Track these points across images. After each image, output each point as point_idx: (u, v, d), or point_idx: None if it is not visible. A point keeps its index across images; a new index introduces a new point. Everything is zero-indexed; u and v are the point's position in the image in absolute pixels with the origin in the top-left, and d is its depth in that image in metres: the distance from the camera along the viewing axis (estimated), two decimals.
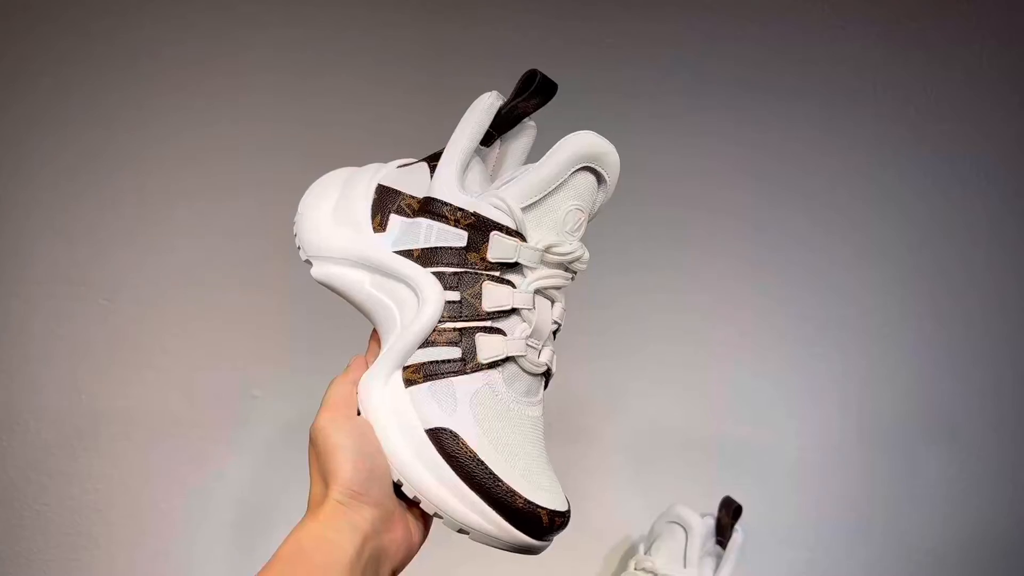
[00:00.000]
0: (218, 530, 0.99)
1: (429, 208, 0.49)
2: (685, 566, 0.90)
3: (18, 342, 0.98)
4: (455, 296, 0.47)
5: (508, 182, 0.49)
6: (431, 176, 0.51)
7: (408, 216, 0.50)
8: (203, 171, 1.01)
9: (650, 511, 0.95)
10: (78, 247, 0.99)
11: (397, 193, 0.51)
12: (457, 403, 0.46)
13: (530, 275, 0.48)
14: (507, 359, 0.48)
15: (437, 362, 0.47)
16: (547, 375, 0.51)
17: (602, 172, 0.50)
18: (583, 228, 0.51)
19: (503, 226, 0.48)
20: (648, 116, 1.07)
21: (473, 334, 0.47)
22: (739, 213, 1.08)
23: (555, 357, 0.51)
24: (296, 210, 0.54)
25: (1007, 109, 1.09)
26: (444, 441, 0.46)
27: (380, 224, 0.51)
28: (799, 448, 1.07)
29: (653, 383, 1.05)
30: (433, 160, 0.52)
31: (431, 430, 0.46)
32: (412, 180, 0.52)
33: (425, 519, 0.49)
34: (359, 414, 0.48)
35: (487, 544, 0.46)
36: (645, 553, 0.93)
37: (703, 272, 1.07)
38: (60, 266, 0.99)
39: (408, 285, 0.48)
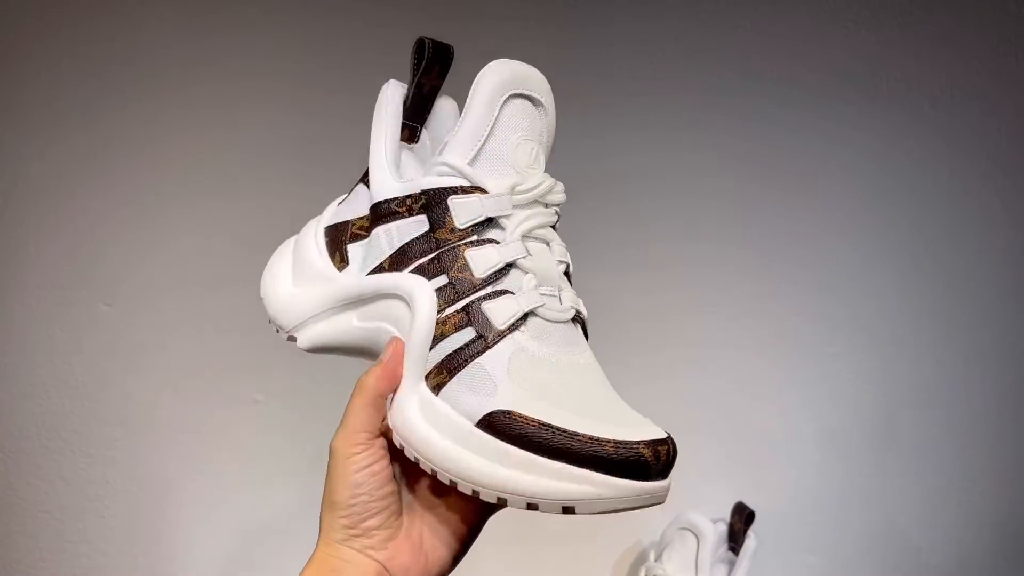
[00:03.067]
0: (219, 535, 0.98)
1: (377, 214, 0.46)
2: (697, 573, 0.89)
3: (18, 347, 0.98)
4: (442, 280, 0.43)
5: (442, 147, 0.45)
6: (368, 189, 0.48)
7: (364, 237, 0.47)
8: (201, 173, 1.00)
9: (661, 517, 0.94)
10: (77, 251, 0.99)
11: (344, 224, 0.49)
12: (495, 381, 0.41)
13: (509, 223, 0.44)
14: (526, 316, 0.43)
15: (454, 352, 0.42)
16: (581, 321, 0.46)
17: (532, 95, 0.45)
18: (541, 159, 0.46)
19: (456, 187, 0.44)
20: (656, 114, 1.06)
21: (479, 305, 0.42)
22: (747, 211, 1.07)
23: (580, 300, 0.46)
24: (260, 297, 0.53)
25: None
26: (499, 424, 0.40)
27: (341, 260, 0.48)
28: (813, 452, 1.06)
29: (662, 388, 1.04)
30: (362, 180, 0.49)
31: (481, 421, 0.40)
32: (355, 206, 0.49)
33: (449, 538, 0.45)
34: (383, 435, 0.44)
35: (602, 511, 0.39)
36: (656, 560, 0.92)
37: (712, 273, 1.07)
38: (60, 271, 0.98)
39: (394, 297, 0.44)
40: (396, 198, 0.45)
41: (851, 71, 1.07)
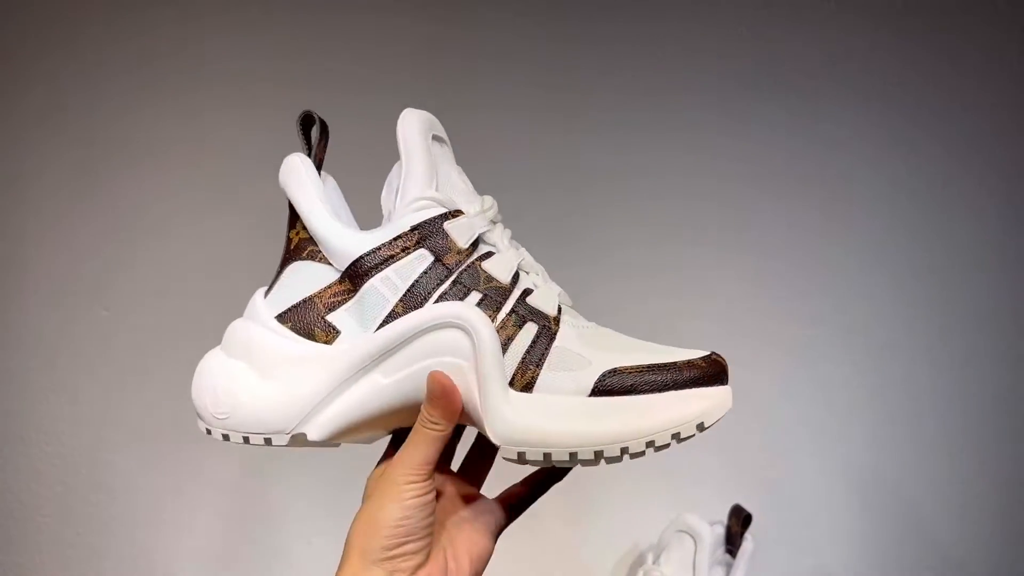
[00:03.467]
0: (221, 539, 0.98)
1: (361, 270, 0.46)
2: (694, 575, 0.89)
3: (17, 351, 0.98)
4: (476, 297, 0.45)
5: (401, 187, 0.47)
6: (312, 262, 0.47)
7: (347, 300, 0.46)
8: (201, 178, 1.01)
9: (659, 520, 0.94)
10: (76, 256, 0.99)
11: (307, 301, 0.47)
12: (581, 354, 0.44)
13: (493, 236, 0.47)
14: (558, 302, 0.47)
15: (530, 347, 0.44)
16: None
17: (441, 136, 0.50)
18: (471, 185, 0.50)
19: (445, 214, 0.46)
20: (651, 116, 1.06)
21: (524, 304, 0.45)
22: (745, 214, 1.07)
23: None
24: (210, 428, 0.47)
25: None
26: (612, 384, 0.43)
27: (327, 333, 0.46)
28: (809, 455, 1.06)
29: None
30: (291, 259, 0.48)
31: (594, 389, 0.43)
32: (303, 284, 0.47)
33: (471, 560, 0.47)
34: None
35: (720, 417, 0.44)
36: (654, 563, 0.92)
37: (708, 277, 1.07)
38: (58, 276, 0.98)
39: (438, 330, 0.44)
40: (379, 246, 0.46)
41: (846, 74, 1.08)
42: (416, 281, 0.45)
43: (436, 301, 0.45)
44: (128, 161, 1.00)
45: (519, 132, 1.04)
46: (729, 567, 0.91)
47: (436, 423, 0.44)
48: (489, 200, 0.48)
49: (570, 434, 0.42)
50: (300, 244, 0.48)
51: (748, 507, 0.95)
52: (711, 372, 0.44)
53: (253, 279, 1.01)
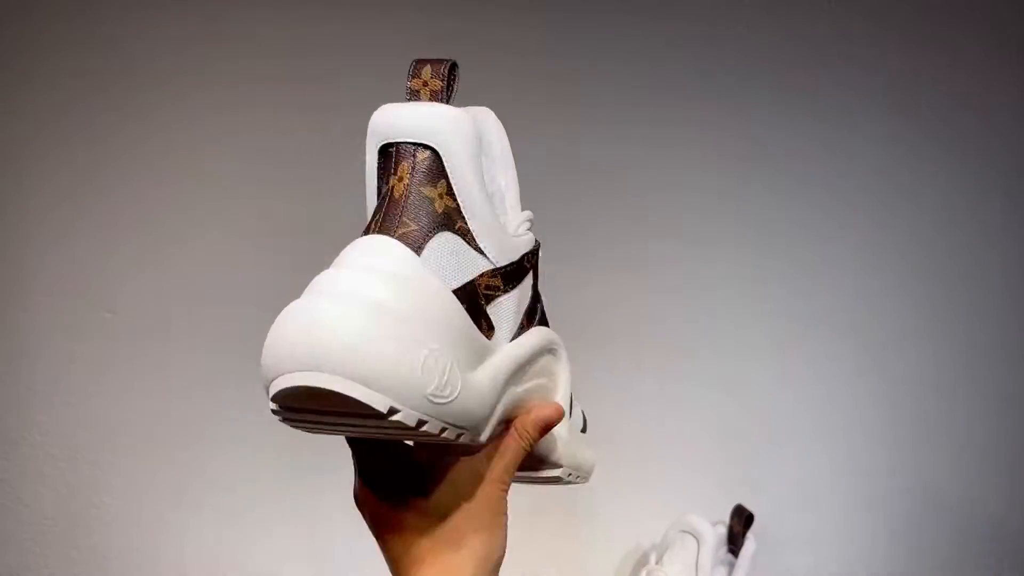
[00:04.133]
0: (225, 541, 0.98)
1: (519, 272, 0.43)
2: (697, 575, 0.89)
3: (22, 353, 0.98)
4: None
5: (512, 197, 0.44)
6: (462, 240, 0.39)
7: (498, 296, 0.41)
8: (205, 179, 1.01)
9: (661, 520, 0.94)
10: (80, 259, 0.99)
11: (471, 285, 0.40)
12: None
13: None
14: None
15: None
16: None
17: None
18: None
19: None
20: (652, 113, 1.07)
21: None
22: (747, 209, 1.07)
23: None
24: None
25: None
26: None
27: (489, 329, 0.41)
28: (811, 454, 1.06)
29: (662, 391, 1.04)
30: (440, 228, 0.39)
31: (584, 427, 0.56)
32: (458, 260, 0.39)
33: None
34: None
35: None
36: (656, 563, 0.92)
37: (713, 275, 1.07)
38: (63, 278, 0.99)
39: (548, 353, 0.47)
40: (526, 253, 0.43)
41: (848, 72, 1.08)
42: (531, 299, 0.45)
43: (537, 320, 0.46)
44: (132, 162, 1.00)
45: (520, 126, 1.04)
46: (731, 567, 0.91)
47: (531, 441, 0.44)
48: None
49: (582, 454, 0.52)
50: (449, 213, 0.39)
51: (750, 507, 0.95)
52: None
53: (256, 280, 1.02)
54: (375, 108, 0.40)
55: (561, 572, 1.02)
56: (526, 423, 0.43)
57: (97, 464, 0.98)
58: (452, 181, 0.39)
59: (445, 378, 0.35)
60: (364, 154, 0.40)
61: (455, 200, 0.39)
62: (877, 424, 1.06)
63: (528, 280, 0.44)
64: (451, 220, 0.39)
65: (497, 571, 0.43)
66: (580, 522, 1.02)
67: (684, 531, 0.91)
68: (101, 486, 0.97)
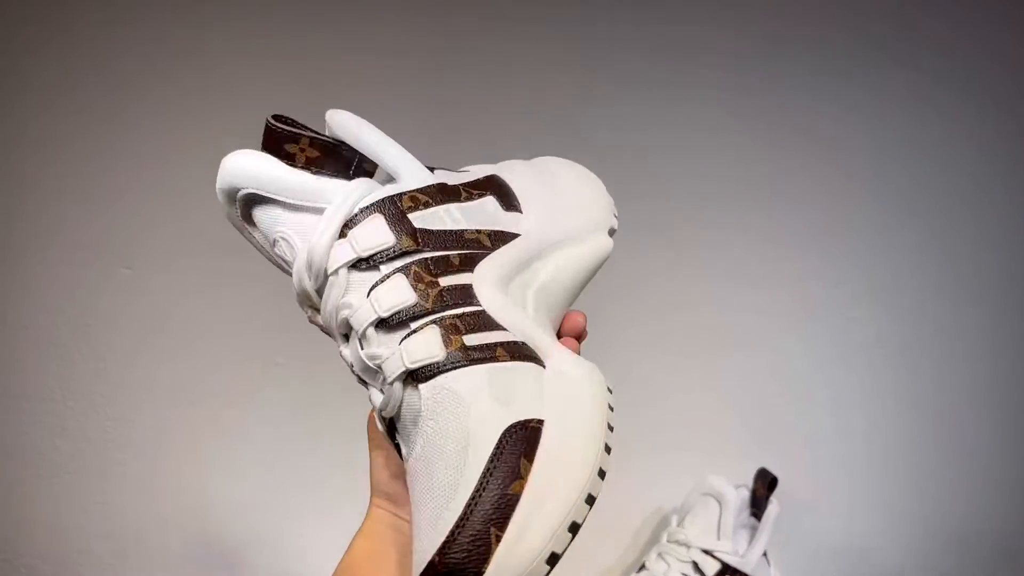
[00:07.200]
0: (243, 496, 0.99)
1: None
2: (719, 538, 0.88)
3: (41, 309, 0.98)
4: None
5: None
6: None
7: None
8: (225, 134, 0.99)
9: (683, 483, 0.94)
10: (98, 215, 0.99)
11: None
12: None
13: None
14: None
15: None
16: None
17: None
18: None
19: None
20: (673, 83, 1.04)
21: None
22: (770, 173, 1.05)
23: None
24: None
25: None
26: None
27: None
28: (834, 417, 1.05)
29: (685, 355, 1.03)
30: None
31: None
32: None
33: None
34: None
35: None
36: (678, 525, 0.91)
37: (731, 239, 1.05)
38: (81, 234, 0.98)
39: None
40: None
41: (882, 36, 1.05)
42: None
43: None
44: (151, 116, 0.99)
45: (527, 103, 1.02)
46: (754, 530, 0.90)
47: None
48: None
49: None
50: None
51: (774, 470, 0.94)
52: None
53: None
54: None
55: (580, 535, 1.02)
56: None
57: (117, 420, 0.98)
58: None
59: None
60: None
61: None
62: (900, 387, 1.05)
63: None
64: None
65: None
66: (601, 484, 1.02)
67: (706, 494, 0.91)
68: (121, 441, 0.98)
